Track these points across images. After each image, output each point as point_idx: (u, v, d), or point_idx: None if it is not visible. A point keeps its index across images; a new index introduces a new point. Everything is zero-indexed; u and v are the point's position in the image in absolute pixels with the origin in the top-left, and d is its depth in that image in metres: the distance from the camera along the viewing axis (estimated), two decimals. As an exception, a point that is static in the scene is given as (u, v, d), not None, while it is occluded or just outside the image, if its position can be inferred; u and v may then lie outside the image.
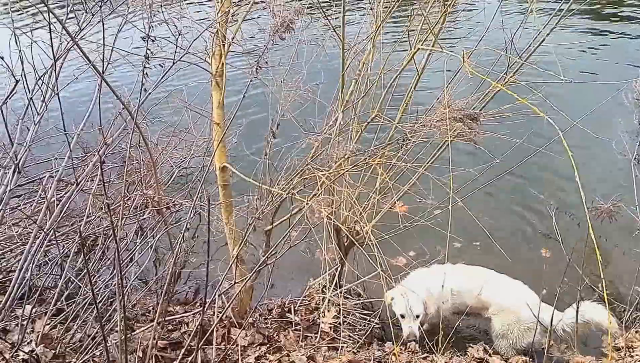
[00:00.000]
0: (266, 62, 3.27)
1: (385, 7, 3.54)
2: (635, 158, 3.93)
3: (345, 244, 3.84)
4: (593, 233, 1.95)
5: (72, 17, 3.34)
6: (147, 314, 3.67)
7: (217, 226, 3.48)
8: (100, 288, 3.26)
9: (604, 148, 4.65)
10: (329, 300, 3.50)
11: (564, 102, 5.57)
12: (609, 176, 4.93)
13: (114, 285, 3.19)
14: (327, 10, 3.68)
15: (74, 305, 3.13)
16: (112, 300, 3.32)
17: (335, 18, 3.52)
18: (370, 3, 3.67)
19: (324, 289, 3.85)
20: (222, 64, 3.42)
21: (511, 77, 3.19)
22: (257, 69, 3.32)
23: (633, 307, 3.68)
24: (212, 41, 3.35)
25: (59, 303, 3.23)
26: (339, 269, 3.74)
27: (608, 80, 4.70)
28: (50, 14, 2.66)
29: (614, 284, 3.87)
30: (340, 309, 3.54)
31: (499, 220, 4.84)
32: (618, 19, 8.20)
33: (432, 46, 3.30)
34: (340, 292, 3.61)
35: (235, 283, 3.27)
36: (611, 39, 7.78)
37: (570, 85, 3.27)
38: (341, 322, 3.50)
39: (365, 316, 3.84)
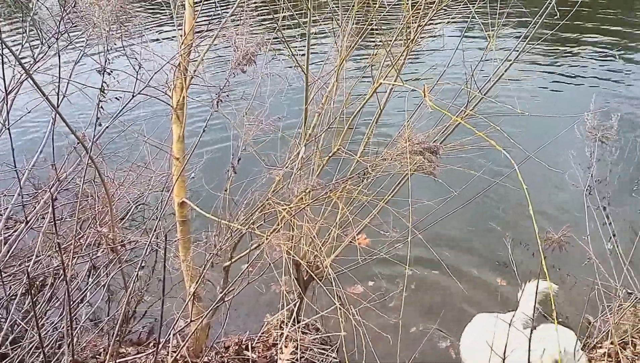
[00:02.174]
0: (227, 95, 3.27)
1: (350, 42, 3.61)
2: (587, 189, 4.06)
3: (305, 278, 3.81)
4: (545, 264, 1.97)
5: (27, 48, 3.28)
6: (97, 356, 3.52)
7: (173, 263, 3.40)
8: (48, 330, 3.11)
9: (559, 179, 4.81)
10: (287, 335, 3.43)
11: (523, 135, 5.78)
12: (564, 206, 5.09)
13: (63, 327, 3.05)
14: (292, 43, 3.73)
15: (19, 350, 2.96)
16: (60, 342, 3.16)
17: (302, 54, 3.56)
18: (335, 37, 3.74)
19: (282, 325, 3.79)
20: (183, 97, 3.41)
21: (470, 110, 3.26)
22: (218, 102, 3.32)
23: (584, 335, 3.79)
24: (173, 74, 3.34)
25: (2, 347, 3.06)
26: (297, 304, 3.69)
27: (565, 113, 4.87)
28: (2, 45, 2.59)
29: (564, 312, 3.96)
30: (298, 345, 3.48)
31: (457, 250, 4.93)
32: (575, 55, 8.56)
33: (394, 81, 3.36)
34: (299, 327, 3.54)
35: (191, 321, 3.17)
36: (567, 76, 8.12)
37: (530, 118, 3.41)
38: (299, 357, 3.43)
39: (323, 351, 3.79)
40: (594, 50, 8.43)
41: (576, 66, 8.23)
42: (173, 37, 3.79)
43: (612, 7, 10.57)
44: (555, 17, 3.20)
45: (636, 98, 7.27)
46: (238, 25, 3.39)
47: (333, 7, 3.77)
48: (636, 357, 3.82)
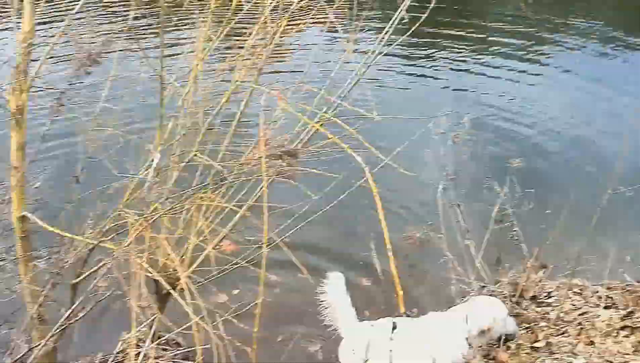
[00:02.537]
0: (68, 100, 3.03)
1: (208, 41, 3.49)
2: (442, 187, 4.29)
3: (163, 292, 3.64)
4: (395, 264, 2.02)
5: None
6: None
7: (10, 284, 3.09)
8: None
9: (418, 179, 4.99)
10: (145, 354, 3.25)
11: (383, 136, 6.00)
12: (423, 205, 5.32)
13: None
14: (144, 42, 3.53)
15: None
16: None
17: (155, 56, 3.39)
18: (191, 36, 3.60)
19: (139, 342, 3.59)
20: (23, 101, 3.11)
21: (329, 114, 3.28)
22: (60, 106, 3.07)
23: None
24: (11, 76, 3.03)
25: None
26: (155, 319, 3.51)
27: (422, 114, 5.07)
28: None
29: (426, 309, 4.10)
30: (156, 363, 3.31)
31: (322, 254, 4.96)
32: (433, 58, 9.06)
33: (255, 83, 3.30)
34: (158, 344, 3.38)
35: (34, 347, 2.90)
36: (426, 77, 8.57)
37: (391, 119, 3.51)
38: (157, 376, 3.27)
39: (185, 367, 3.65)
40: (450, 54, 8.96)
41: (433, 68, 8.71)
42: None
43: (468, 11, 11.31)
44: (405, 21, 3.29)
45: (486, 100, 7.86)
46: (83, 23, 3.16)
47: (189, 6, 3.64)
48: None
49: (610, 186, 3.84)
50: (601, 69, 8.79)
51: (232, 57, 3.70)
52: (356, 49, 3.83)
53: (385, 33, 3.42)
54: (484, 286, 4.37)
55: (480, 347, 3.62)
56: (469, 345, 3.58)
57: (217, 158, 3.42)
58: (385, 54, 3.58)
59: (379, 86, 7.67)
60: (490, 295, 4.40)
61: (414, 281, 4.70)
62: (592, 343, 3.63)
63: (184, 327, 3.12)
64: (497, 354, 3.77)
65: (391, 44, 3.61)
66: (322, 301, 3.71)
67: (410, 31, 3.50)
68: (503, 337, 3.76)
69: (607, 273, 4.68)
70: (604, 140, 6.81)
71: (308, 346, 4.16)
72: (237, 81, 3.25)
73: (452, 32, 9.83)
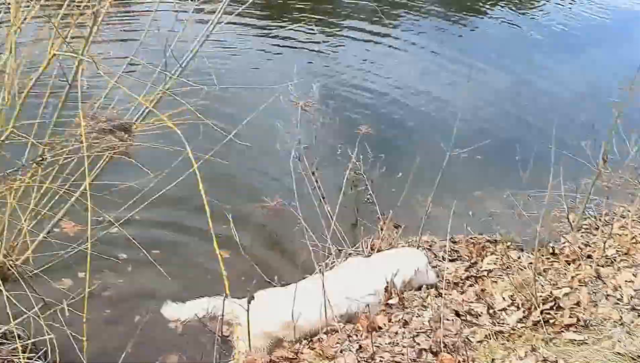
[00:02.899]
0: None
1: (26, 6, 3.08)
2: (296, 157, 4.28)
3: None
4: (217, 245, 1.87)
5: None
6: None
7: None
8: None
9: (272, 148, 4.96)
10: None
11: (234, 106, 5.88)
12: (278, 175, 5.26)
13: None
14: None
15: None
16: None
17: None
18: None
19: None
20: None
21: (162, 88, 3.06)
22: None
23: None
24: None
25: None
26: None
27: (274, 83, 4.96)
28: None
29: (281, 274, 4.09)
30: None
31: (175, 229, 4.80)
32: (283, 28, 9.01)
33: (82, 52, 2.98)
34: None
35: None
36: (279, 47, 8.52)
37: (242, 89, 3.39)
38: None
39: (28, 360, 3.31)
40: (301, 26, 8.94)
41: (285, 39, 8.67)
42: None
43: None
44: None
45: (335, 70, 8.03)
46: None
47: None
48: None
49: (449, 148, 4.07)
50: (440, 43, 9.34)
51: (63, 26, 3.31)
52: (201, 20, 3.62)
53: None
54: (340, 250, 4.47)
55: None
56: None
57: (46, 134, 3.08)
58: (238, 25, 3.44)
59: (231, 55, 7.48)
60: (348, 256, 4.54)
61: (272, 250, 4.68)
62: (440, 295, 3.84)
63: (18, 320, 2.82)
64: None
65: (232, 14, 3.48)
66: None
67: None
68: (423, 287, 3.94)
69: (451, 228, 5.07)
70: (443, 107, 7.27)
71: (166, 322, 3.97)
72: (55, 51, 2.90)
73: (304, 5, 9.87)
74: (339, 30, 9.28)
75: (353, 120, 6.06)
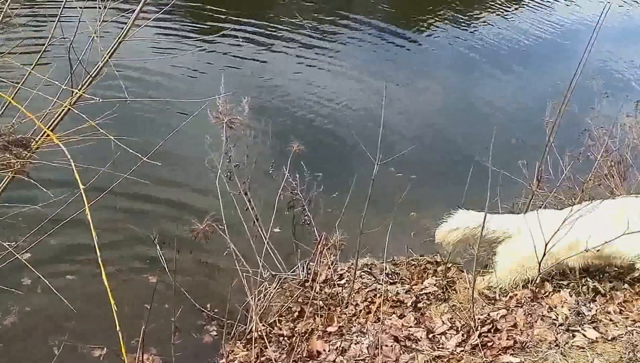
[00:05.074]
0: None
1: None
2: (227, 175, 4.14)
3: None
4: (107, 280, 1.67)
5: None
6: None
7: None
8: None
9: (201, 166, 4.78)
10: None
11: (158, 120, 5.66)
12: (207, 195, 5.02)
13: None
14: None
15: None
16: None
17: None
18: None
19: None
20: None
21: (75, 99, 2.84)
22: None
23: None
24: None
25: None
26: None
27: (201, 96, 4.81)
28: None
29: (223, 301, 3.96)
30: None
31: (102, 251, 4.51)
32: (213, 42, 8.83)
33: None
34: None
35: None
36: (209, 58, 8.31)
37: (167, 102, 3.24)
38: None
39: None
40: (235, 39, 8.79)
41: (215, 52, 8.44)
42: None
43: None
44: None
45: (268, 85, 7.88)
46: None
47: None
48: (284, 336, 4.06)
49: (377, 160, 4.02)
50: (376, 57, 9.38)
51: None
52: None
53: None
54: (275, 275, 4.35)
55: None
56: None
57: None
58: (168, 34, 3.29)
59: (152, 67, 7.20)
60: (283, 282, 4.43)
61: (202, 275, 4.51)
62: (379, 320, 3.79)
63: None
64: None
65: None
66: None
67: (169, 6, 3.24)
68: None
69: (392, 249, 5.05)
70: (376, 123, 7.22)
71: (91, 351, 3.74)
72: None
73: (241, 18, 9.74)
74: (275, 43, 9.18)
75: (286, 136, 5.92)
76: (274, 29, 9.62)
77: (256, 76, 8.03)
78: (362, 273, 4.61)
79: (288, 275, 4.52)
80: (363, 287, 4.48)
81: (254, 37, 9.13)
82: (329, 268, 4.54)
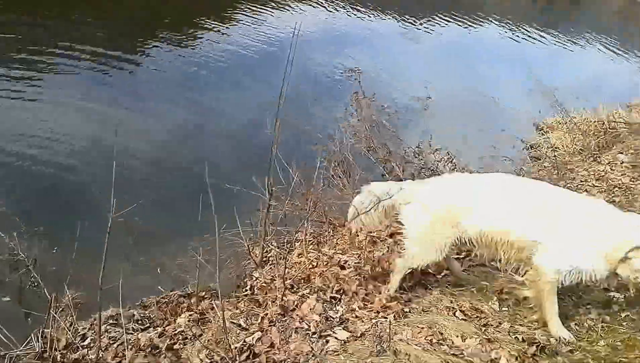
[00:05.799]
0: None
1: None
2: None
3: None
4: None
5: None
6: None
7: None
8: None
9: None
10: None
11: None
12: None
13: None
14: None
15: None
16: None
17: None
18: None
19: None
20: None
21: None
22: None
23: None
24: None
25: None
26: None
27: None
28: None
29: None
30: None
31: None
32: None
33: None
34: None
35: None
36: None
37: None
38: None
39: None
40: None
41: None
42: None
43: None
44: None
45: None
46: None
47: None
48: None
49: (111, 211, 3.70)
50: (95, 86, 8.79)
51: None
52: None
53: None
54: (4, 355, 3.73)
55: None
56: None
57: None
58: None
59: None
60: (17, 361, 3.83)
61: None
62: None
63: None
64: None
65: None
66: None
67: None
68: None
69: (140, 291, 4.75)
70: (104, 154, 6.66)
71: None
72: None
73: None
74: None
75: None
76: None
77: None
78: (109, 327, 4.23)
79: (21, 350, 3.92)
80: (112, 342, 4.11)
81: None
82: (68, 331, 4.07)
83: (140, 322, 4.36)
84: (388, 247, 4.84)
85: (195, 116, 8.51)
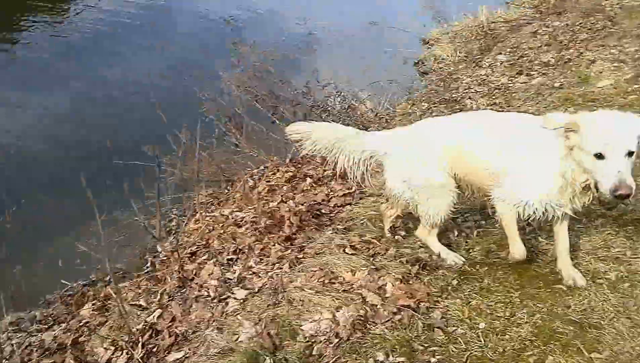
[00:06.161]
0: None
1: None
2: None
3: None
4: None
5: None
6: None
7: None
8: None
9: None
10: None
11: None
12: None
13: None
14: None
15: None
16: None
17: None
18: None
19: None
20: None
21: None
22: None
23: None
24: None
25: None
26: None
27: None
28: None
29: None
30: None
31: None
32: None
33: None
34: None
35: None
36: None
37: None
38: None
39: None
40: None
41: None
42: None
43: None
44: None
45: None
46: None
47: None
48: None
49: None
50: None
51: None
52: None
53: None
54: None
55: None
56: None
57: None
58: None
59: None
60: None
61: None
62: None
63: None
64: None
65: None
66: None
67: None
68: None
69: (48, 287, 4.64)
70: None
71: None
72: None
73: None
74: None
75: None
76: None
77: None
78: (10, 334, 4.12)
79: None
80: (16, 348, 4.01)
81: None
82: None
83: (42, 321, 4.28)
84: (282, 196, 4.87)
85: (81, 95, 8.17)
